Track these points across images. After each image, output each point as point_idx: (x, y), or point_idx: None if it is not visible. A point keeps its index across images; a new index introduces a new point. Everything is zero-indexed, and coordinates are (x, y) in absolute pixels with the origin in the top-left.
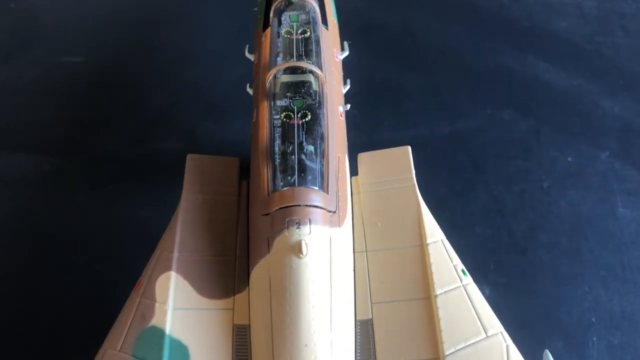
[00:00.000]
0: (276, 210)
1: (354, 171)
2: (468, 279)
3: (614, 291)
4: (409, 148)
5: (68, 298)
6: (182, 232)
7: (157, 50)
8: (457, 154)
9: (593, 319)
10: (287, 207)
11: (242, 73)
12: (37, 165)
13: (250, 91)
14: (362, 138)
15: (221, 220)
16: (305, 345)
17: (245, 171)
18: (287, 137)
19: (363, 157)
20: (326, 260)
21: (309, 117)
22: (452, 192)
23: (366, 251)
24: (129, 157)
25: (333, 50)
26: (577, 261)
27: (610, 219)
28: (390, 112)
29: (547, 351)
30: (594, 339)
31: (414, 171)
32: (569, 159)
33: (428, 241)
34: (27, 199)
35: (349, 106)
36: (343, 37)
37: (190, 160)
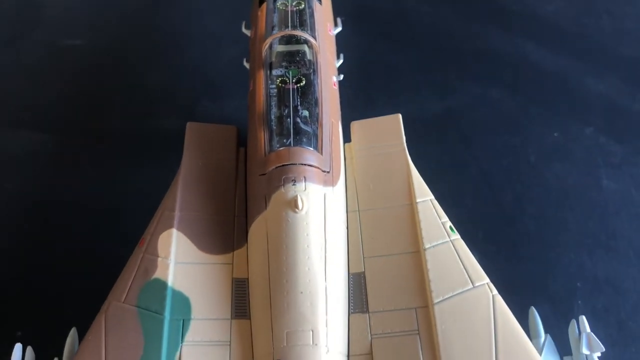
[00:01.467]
0: (273, 169)
1: (347, 139)
2: (456, 235)
3: (598, 258)
4: (400, 115)
5: (72, 263)
6: (182, 193)
7: (155, 32)
8: (447, 130)
9: (578, 284)
10: (283, 165)
11: (239, 53)
12: (40, 142)
13: (247, 65)
14: (354, 115)
15: (220, 183)
16: (301, 292)
17: (243, 140)
18: (282, 101)
19: (355, 125)
20: (320, 216)
21: (304, 82)
22: (442, 167)
23: (359, 211)
24: (129, 134)
25: (326, 24)
26: (562, 230)
27: (594, 190)
28: (382, 90)
29: (533, 308)
30: (579, 302)
31: (404, 137)
32: (555, 134)
33: (417, 200)
34: (31, 174)
35: (342, 76)
36: (336, 16)
37: (190, 127)
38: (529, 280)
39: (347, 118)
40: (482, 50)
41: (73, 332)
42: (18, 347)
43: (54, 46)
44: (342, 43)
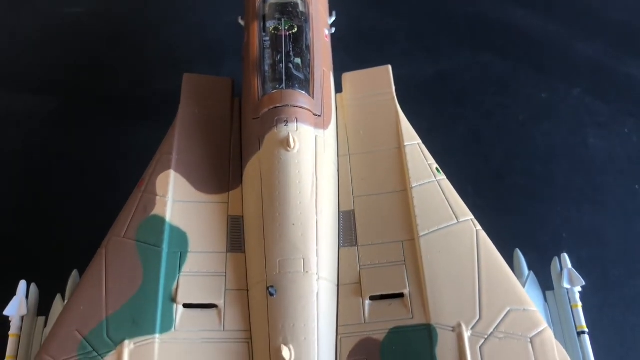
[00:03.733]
0: (266, 111)
1: (339, 90)
2: (442, 176)
3: (584, 211)
4: (389, 67)
5: (72, 215)
6: (179, 138)
7: None
8: (439, 92)
9: (564, 235)
10: (275, 107)
11: (235, 18)
12: (43, 105)
13: (242, 22)
14: None
15: (215, 130)
16: (293, 224)
17: (238, 92)
18: (275, 48)
19: (347, 76)
20: (312, 156)
21: (296, 30)
22: (433, 126)
23: (349, 155)
24: (128, 97)
25: None
26: (550, 185)
27: (581, 148)
28: (375, 55)
29: (517, 250)
30: (565, 253)
31: (393, 86)
32: (543, 95)
33: (405, 143)
34: (34, 134)
35: (334, 29)
36: None
37: (187, 78)
38: (516, 232)
39: (340, 78)
40: (473, 15)
41: (75, 273)
42: (22, 283)
43: (54, 13)
44: (335, 8)
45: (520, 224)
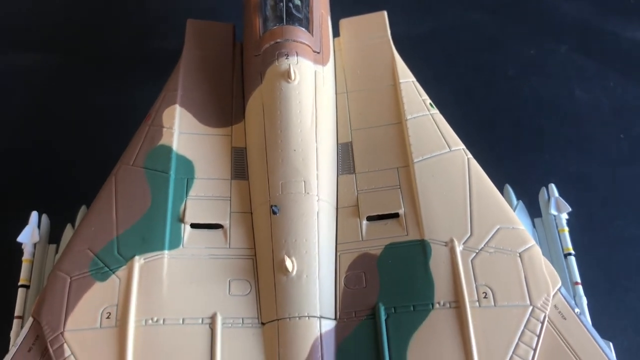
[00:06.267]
0: (267, 47)
1: (336, 35)
2: (435, 110)
3: (571, 159)
4: (385, 12)
5: (77, 158)
6: (184, 76)
7: None
8: (432, 49)
9: (552, 181)
10: (277, 42)
11: None
12: (47, 61)
13: None
14: None
15: (218, 70)
16: (294, 150)
17: (239, 38)
18: None
19: (344, 22)
20: (311, 89)
21: None
22: (425, 80)
23: (347, 92)
24: (129, 54)
25: None
26: (538, 135)
27: (568, 100)
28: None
29: (507, 185)
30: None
31: (389, 30)
32: (532, 52)
33: (401, 80)
34: (38, 89)
35: None
36: None
37: (190, 23)
38: (505, 179)
39: (337, 25)
40: None
41: (83, 209)
42: (34, 214)
43: None
44: None
45: (510, 172)
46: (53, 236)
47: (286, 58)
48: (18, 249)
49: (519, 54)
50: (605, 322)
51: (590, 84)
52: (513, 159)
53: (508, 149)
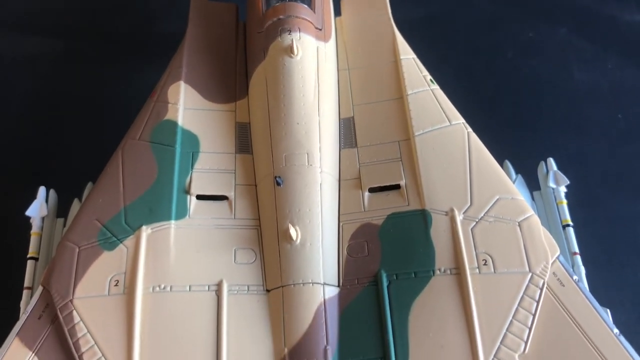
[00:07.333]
0: (270, 23)
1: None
2: (435, 86)
3: (570, 138)
4: None
5: (83, 138)
6: (188, 54)
7: None
8: (431, 32)
9: (551, 158)
10: (279, 18)
11: None
12: (52, 46)
13: None
14: None
15: (222, 48)
16: (297, 123)
17: (241, 18)
18: None
19: (345, 1)
20: (314, 64)
21: None
22: (425, 62)
23: (348, 69)
24: (136, 37)
25: None
26: (537, 115)
27: (567, 81)
28: None
29: (507, 161)
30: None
31: (389, 7)
32: (530, 34)
33: (401, 57)
34: (43, 74)
35: None
36: None
37: (194, 2)
38: (504, 157)
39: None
40: None
41: (90, 185)
42: (42, 189)
43: None
44: None
45: (509, 151)
46: (61, 211)
47: (289, 34)
48: (27, 223)
49: (518, 36)
50: (603, 296)
51: (589, 65)
52: (512, 139)
53: (507, 130)
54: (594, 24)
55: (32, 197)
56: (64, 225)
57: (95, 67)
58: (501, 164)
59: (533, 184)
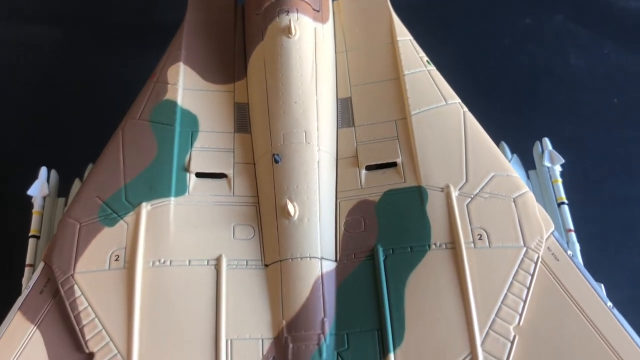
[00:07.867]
0: (268, 5)
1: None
2: (432, 67)
3: (566, 123)
4: None
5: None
6: (187, 36)
7: None
8: (430, 20)
9: (546, 138)
10: (277, 0)
11: None
12: (51, 34)
13: None
14: None
15: (220, 30)
16: (295, 102)
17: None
18: None
19: None
20: (311, 45)
21: None
22: (422, 47)
23: (346, 51)
24: (134, 25)
25: None
26: (534, 99)
27: (564, 67)
28: None
29: (503, 142)
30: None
31: None
32: (527, 21)
33: (398, 38)
34: (44, 60)
35: None
36: None
37: None
38: (499, 140)
39: None
40: None
41: (90, 166)
42: (43, 169)
43: None
44: None
45: (506, 135)
46: (62, 191)
47: (287, 14)
48: (29, 203)
49: (515, 23)
50: (598, 274)
51: (585, 51)
52: (509, 123)
53: (504, 114)
54: (590, 10)
55: (34, 177)
56: (65, 205)
57: (95, 53)
58: (497, 145)
59: (528, 166)
